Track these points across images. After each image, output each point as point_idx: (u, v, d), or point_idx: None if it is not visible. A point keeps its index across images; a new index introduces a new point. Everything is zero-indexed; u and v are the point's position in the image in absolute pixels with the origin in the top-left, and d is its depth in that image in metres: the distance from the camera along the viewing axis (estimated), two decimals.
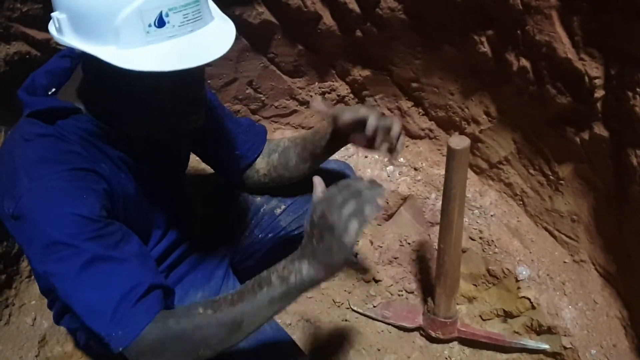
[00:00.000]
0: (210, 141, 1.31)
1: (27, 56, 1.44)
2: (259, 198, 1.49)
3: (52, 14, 0.85)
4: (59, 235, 0.88)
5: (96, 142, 0.99)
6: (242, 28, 1.65)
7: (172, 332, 0.91)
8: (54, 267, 0.89)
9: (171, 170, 1.26)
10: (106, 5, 0.81)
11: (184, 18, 0.85)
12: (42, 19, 1.42)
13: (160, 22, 0.83)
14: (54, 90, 1.04)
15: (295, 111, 1.99)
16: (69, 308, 0.93)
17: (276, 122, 2.00)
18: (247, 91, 1.86)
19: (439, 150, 2.00)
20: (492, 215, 1.86)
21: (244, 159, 1.35)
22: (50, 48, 1.49)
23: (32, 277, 1.64)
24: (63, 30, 0.85)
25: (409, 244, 1.95)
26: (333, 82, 1.89)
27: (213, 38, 0.89)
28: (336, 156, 1.97)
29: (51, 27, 0.89)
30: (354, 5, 1.58)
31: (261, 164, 1.37)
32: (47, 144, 0.94)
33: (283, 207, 1.48)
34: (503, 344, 1.67)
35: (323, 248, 0.83)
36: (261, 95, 1.89)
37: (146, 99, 0.93)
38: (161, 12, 0.82)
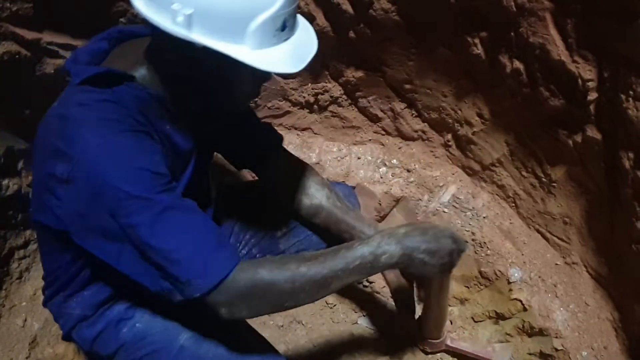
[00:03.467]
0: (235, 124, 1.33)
1: (17, 56, 1.42)
2: None
3: (173, 7, 0.84)
4: (131, 189, 0.89)
5: (146, 111, 1.00)
6: None
7: (264, 281, 0.94)
8: (127, 220, 0.89)
9: (205, 152, 1.26)
10: (247, 9, 0.86)
11: (293, 22, 0.95)
12: (33, 19, 1.41)
13: (283, 26, 0.91)
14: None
15: (288, 112, 1.98)
16: (65, 286, 1.07)
17: (269, 123, 1.99)
18: None
19: (431, 152, 2.00)
20: (484, 217, 1.86)
21: (262, 150, 1.38)
22: (41, 48, 1.47)
23: (22, 278, 1.62)
24: (189, 25, 0.85)
25: None
26: (326, 83, 1.88)
27: (306, 38, 1.00)
28: (330, 157, 2.00)
29: (162, 18, 0.87)
30: (347, 6, 1.58)
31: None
32: (108, 108, 0.94)
33: (284, 230, 1.46)
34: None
35: (422, 258, 1.04)
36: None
37: (231, 84, 1.00)
38: (285, 17, 0.90)
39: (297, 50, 0.96)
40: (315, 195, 1.34)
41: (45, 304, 1.23)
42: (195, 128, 1.13)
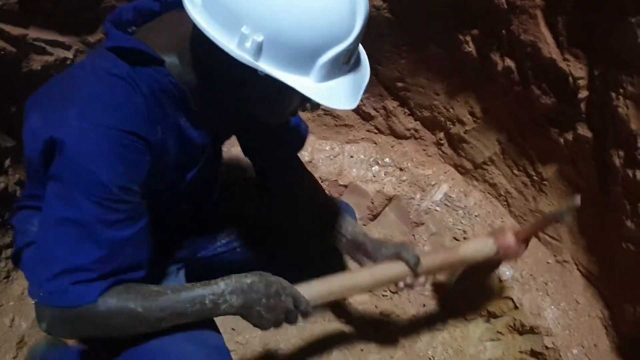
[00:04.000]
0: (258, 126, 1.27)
1: (2, 52, 1.40)
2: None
3: (243, 30, 0.81)
4: (73, 184, 0.87)
5: (164, 100, 0.96)
6: None
7: (97, 314, 0.91)
8: (52, 201, 0.90)
9: (220, 145, 1.26)
10: (322, 43, 0.83)
11: (357, 54, 0.93)
12: (18, 14, 1.38)
13: (348, 59, 0.89)
14: (133, 28, 1.01)
15: None
16: (36, 202, 1.03)
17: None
18: None
19: (424, 150, 2.00)
20: (476, 216, 1.86)
21: (282, 151, 1.39)
22: (27, 44, 1.45)
23: (10, 278, 1.61)
24: (258, 53, 0.82)
25: None
26: None
27: (363, 69, 0.98)
28: (322, 155, 1.99)
29: (227, 38, 0.83)
30: None
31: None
32: (115, 86, 0.90)
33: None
34: None
35: (259, 311, 1.05)
36: None
37: (277, 106, 0.99)
38: (352, 51, 0.88)
39: (356, 82, 0.94)
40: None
41: (11, 217, 1.20)
42: (214, 126, 1.11)
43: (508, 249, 1.43)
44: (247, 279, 1.04)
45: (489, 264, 1.58)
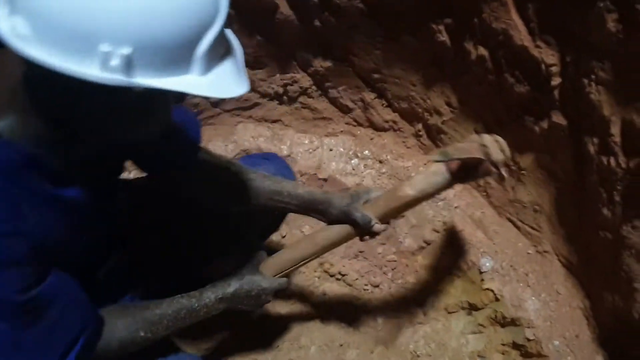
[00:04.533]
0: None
1: None
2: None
3: (102, 49, 0.65)
4: None
5: (14, 176, 0.78)
6: None
7: None
8: None
9: (106, 189, 1.09)
10: (196, 27, 0.71)
11: (224, 38, 0.80)
12: None
13: (220, 42, 0.78)
14: None
15: (257, 104, 1.95)
16: None
17: (238, 115, 1.97)
18: None
19: (403, 142, 1.99)
20: (456, 207, 1.84)
21: (181, 154, 1.21)
22: None
23: None
24: (129, 68, 0.68)
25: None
26: (295, 73, 1.86)
27: (237, 45, 0.85)
28: (301, 149, 1.97)
29: (83, 65, 0.67)
30: None
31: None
32: None
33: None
34: None
35: (242, 308, 1.22)
36: None
37: (148, 118, 0.84)
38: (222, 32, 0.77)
39: (237, 63, 0.82)
40: (244, 185, 1.27)
41: None
42: (92, 174, 0.94)
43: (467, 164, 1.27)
44: (230, 288, 1.19)
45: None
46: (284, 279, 1.29)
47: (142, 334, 1.04)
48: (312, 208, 1.31)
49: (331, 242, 1.31)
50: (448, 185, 1.30)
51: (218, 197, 1.29)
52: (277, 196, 1.29)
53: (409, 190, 1.27)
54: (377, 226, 1.26)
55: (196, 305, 1.14)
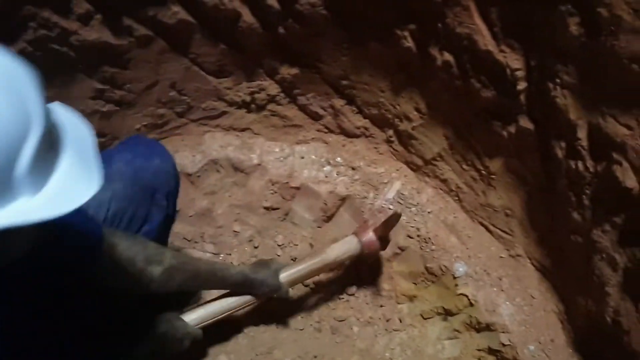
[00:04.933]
0: None
1: None
2: None
3: None
4: None
5: None
6: (159, 29, 1.56)
7: None
8: None
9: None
10: (7, 144, 0.58)
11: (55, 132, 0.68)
12: None
13: (50, 142, 0.66)
14: None
15: (224, 112, 1.91)
16: None
17: (205, 124, 1.92)
18: (171, 94, 1.77)
19: (375, 148, 1.96)
20: (429, 212, 1.83)
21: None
22: None
23: None
24: None
25: None
26: (262, 81, 1.82)
27: (78, 129, 0.72)
28: (272, 157, 1.94)
29: None
30: (272, 1, 1.52)
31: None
32: None
33: None
34: None
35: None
36: (186, 98, 1.81)
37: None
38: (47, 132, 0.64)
39: (83, 154, 0.69)
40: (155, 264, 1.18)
41: None
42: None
43: (371, 243, 1.59)
44: (159, 330, 1.27)
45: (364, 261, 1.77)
46: (200, 330, 1.39)
47: None
48: (242, 288, 1.45)
49: (241, 306, 1.49)
50: (358, 254, 1.60)
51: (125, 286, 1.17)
52: (211, 277, 1.35)
53: (324, 256, 1.55)
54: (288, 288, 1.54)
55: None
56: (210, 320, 1.44)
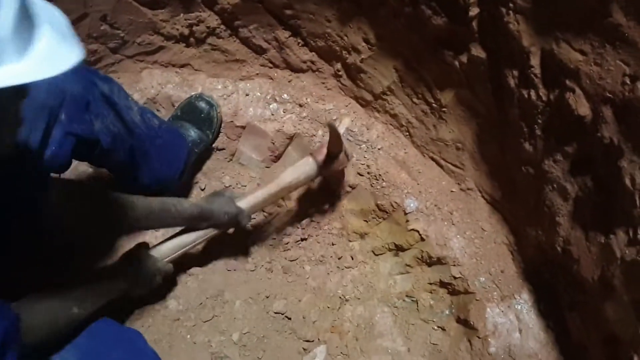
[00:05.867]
0: None
1: None
2: None
3: None
4: None
5: None
6: None
7: None
8: None
9: None
10: None
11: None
12: None
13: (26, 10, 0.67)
14: None
15: (161, 47, 1.78)
16: None
17: (142, 60, 1.80)
18: (102, 27, 1.64)
19: (323, 83, 1.89)
20: (379, 149, 1.78)
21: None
22: None
23: None
24: None
25: None
26: (200, 12, 1.70)
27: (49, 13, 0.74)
28: (215, 95, 1.84)
29: None
30: None
31: None
32: None
33: None
34: None
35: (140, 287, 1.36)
36: (119, 32, 1.68)
37: None
38: None
39: (61, 31, 0.72)
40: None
41: None
42: None
43: (328, 161, 1.58)
44: (131, 268, 1.33)
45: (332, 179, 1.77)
46: (170, 264, 1.44)
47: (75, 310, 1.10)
48: (200, 220, 1.44)
49: (208, 236, 1.50)
50: (315, 175, 1.59)
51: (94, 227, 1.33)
52: (164, 214, 1.33)
53: (281, 179, 1.55)
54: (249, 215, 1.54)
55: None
56: (179, 252, 1.46)
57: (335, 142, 1.54)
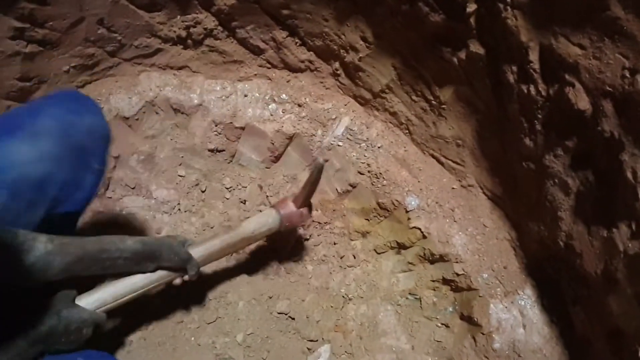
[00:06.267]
0: None
1: None
2: None
3: None
4: None
5: None
6: None
7: None
8: None
9: None
10: None
11: None
12: None
13: None
14: None
15: (159, 50, 1.78)
16: None
17: (139, 63, 1.80)
18: (100, 31, 1.63)
19: (321, 83, 1.89)
20: (379, 147, 1.79)
21: None
22: None
23: None
24: None
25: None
26: (197, 14, 1.70)
27: None
28: (213, 96, 1.84)
29: None
30: None
31: None
32: None
33: None
34: None
35: (60, 347, 1.05)
36: (116, 35, 1.67)
37: None
38: None
39: None
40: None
41: None
42: None
43: (291, 215, 1.49)
44: (44, 326, 1.01)
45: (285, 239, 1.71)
46: (103, 313, 1.16)
47: None
48: (146, 260, 1.21)
49: (152, 285, 1.27)
50: (277, 228, 1.49)
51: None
52: (104, 254, 1.10)
53: (241, 230, 1.41)
54: (201, 265, 1.33)
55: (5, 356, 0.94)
56: (115, 303, 1.21)
57: (311, 189, 1.46)
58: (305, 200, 1.49)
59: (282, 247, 1.77)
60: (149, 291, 1.27)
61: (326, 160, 1.74)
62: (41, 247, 0.99)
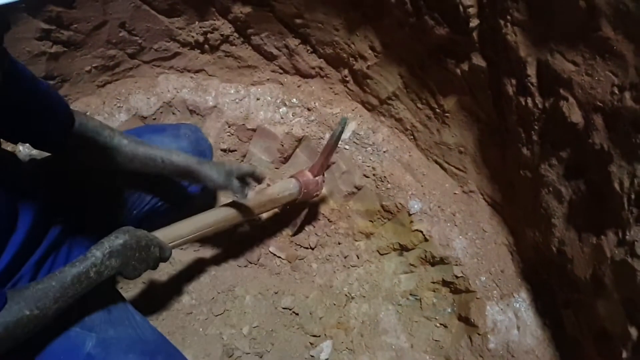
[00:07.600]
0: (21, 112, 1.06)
1: None
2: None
3: None
4: None
5: None
6: None
7: None
8: None
9: None
10: None
11: None
12: None
13: None
14: None
15: (177, 53, 1.87)
16: None
17: (158, 66, 1.88)
18: (121, 34, 1.72)
19: (330, 88, 1.96)
20: (384, 152, 1.85)
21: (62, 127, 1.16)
22: None
23: None
24: None
25: None
26: (214, 20, 1.78)
27: None
28: (227, 99, 1.91)
29: None
30: None
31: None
32: None
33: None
34: None
35: (134, 266, 1.12)
36: (137, 38, 1.76)
37: None
38: None
39: None
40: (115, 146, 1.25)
41: None
42: None
43: (309, 183, 1.69)
44: (119, 239, 1.09)
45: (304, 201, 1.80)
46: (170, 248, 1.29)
47: (27, 312, 0.94)
48: (187, 176, 1.36)
49: (218, 223, 1.45)
50: (298, 192, 1.67)
51: (96, 161, 1.25)
52: (151, 162, 1.29)
53: (268, 192, 1.60)
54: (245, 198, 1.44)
55: (82, 267, 1.02)
56: (184, 239, 1.37)
57: (331, 150, 1.66)
58: (321, 168, 1.71)
59: (293, 222, 1.90)
60: (204, 234, 1.43)
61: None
62: (129, 137, 1.26)
